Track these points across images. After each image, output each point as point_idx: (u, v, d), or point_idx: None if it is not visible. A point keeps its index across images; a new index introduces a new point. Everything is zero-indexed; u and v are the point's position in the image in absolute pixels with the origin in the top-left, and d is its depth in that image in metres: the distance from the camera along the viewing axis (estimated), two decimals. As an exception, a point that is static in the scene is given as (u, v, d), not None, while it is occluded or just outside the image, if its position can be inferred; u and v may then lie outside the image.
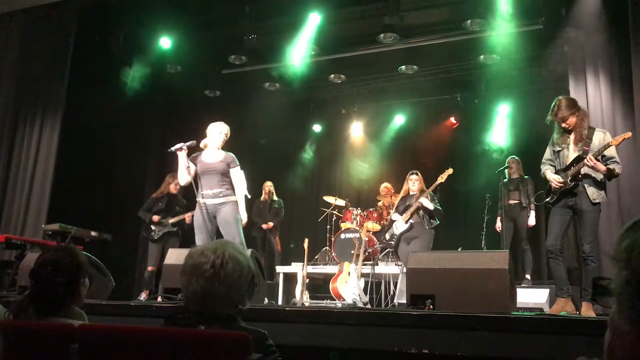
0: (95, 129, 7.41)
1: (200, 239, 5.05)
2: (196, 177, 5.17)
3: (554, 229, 4.57)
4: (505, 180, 7.34)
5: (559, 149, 4.67)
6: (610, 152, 4.42)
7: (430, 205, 6.35)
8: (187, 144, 5.17)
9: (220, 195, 5.08)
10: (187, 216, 7.05)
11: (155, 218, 7.07)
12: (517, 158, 7.49)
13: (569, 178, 4.51)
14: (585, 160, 4.35)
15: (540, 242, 8.92)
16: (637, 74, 5.61)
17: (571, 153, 4.58)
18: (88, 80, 7.42)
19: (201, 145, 5.25)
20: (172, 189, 7.23)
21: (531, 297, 5.95)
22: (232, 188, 5.16)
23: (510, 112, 9.28)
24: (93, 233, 6.75)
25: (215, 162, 5.17)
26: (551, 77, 8.34)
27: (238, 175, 5.17)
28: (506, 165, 7.44)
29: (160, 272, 7.13)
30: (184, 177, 5.17)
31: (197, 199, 5.15)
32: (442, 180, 6.62)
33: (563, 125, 4.57)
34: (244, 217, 5.14)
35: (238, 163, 5.22)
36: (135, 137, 8.49)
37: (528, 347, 2.84)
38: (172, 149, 5.14)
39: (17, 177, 7.13)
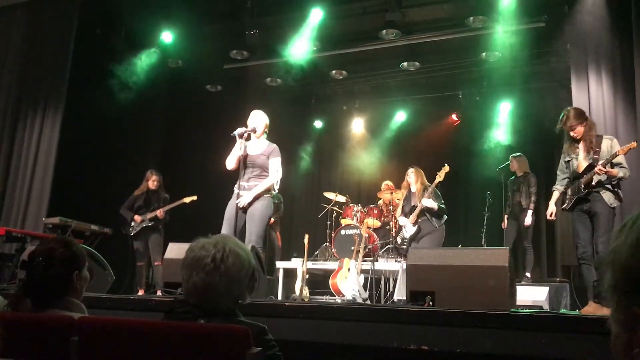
0: (96, 122, 7.40)
1: (225, 231, 4.89)
2: (239, 166, 5.02)
3: (582, 236, 4.72)
4: (512, 177, 7.34)
5: (569, 159, 4.87)
6: (618, 159, 4.60)
7: (433, 205, 6.41)
8: (249, 130, 5.01)
9: (256, 188, 4.95)
10: (158, 212, 7.06)
11: (137, 218, 7.06)
12: (517, 155, 7.46)
13: (582, 186, 4.68)
14: (597, 170, 4.53)
15: (541, 241, 8.94)
16: (640, 71, 5.61)
17: (582, 162, 4.75)
18: (89, 74, 7.42)
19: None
20: (151, 185, 7.22)
21: (531, 295, 5.96)
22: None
23: (512, 110, 9.26)
24: (93, 227, 6.74)
25: (256, 154, 5.05)
26: (553, 75, 8.33)
27: (273, 164, 5.02)
28: (507, 163, 7.45)
29: (151, 267, 7.19)
30: (232, 162, 5.00)
31: (234, 188, 5.02)
32: (441, 179, 6.66)
33: (572, 134, 4.76)
34: (244, 200, 4.85)
35: (279, 154, 5.08)
36: (137, 131, 8.48)
37: (527, 345, 2.83)
38: (235, 133, 4.94)
39: (18, 170, 7.13)
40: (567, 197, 4.85)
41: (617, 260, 0.90)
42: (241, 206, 4.89)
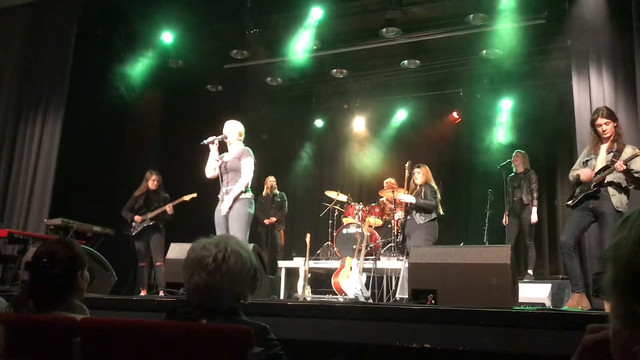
0: (97, 123, 7.41)
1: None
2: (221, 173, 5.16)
3: (570, 227, 4.72)
4: (512, 174, 7.34)
5: (588, 159, 4.80)
6: (637, 165, 4.51)
7: (409, 200, 6.50)
8: (219, 137, 5.14)
9: (232, 192, 5.06)
10: (167, 207, 7.07)
11: (138, 218, 7.06)
12: (522, 152, 7.46)
13: (593, 183, 4.62)
14: (616, 166, 4.45)
15: (543, 239, 8.93)
16: (641, 68, 5.59)
17: (599, 163, 4.69)
18: (90, 75, 7.42)
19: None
20: (151, 185, 7.24)
21: (533, 292, 5.95)
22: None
23: (512, 107, 9.25)
24: (95, 228, 6.75)
25: (230, 159, 5.16)
26: (554, 72, 8.31)
27: (244, 165, 5.09)
28: (508, 160, 7.45)
29: (153, 267, 7.19)
30: (210, 170, 5.16)
31: (219, 196, 5.14)
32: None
33: (600, 131, 4.68)
34: (224, 206, 4.97)
35: (251, 155, 5.14)
36: (137, 131, 8.49)
37: (530, 342, 2.83)
38: (205, 142, 5.12)
39: (20, 172, 7.13)
40: (574, 194, 4.79)
41: (619, 257, 0.90)
42: (223, 214, 5.01)
